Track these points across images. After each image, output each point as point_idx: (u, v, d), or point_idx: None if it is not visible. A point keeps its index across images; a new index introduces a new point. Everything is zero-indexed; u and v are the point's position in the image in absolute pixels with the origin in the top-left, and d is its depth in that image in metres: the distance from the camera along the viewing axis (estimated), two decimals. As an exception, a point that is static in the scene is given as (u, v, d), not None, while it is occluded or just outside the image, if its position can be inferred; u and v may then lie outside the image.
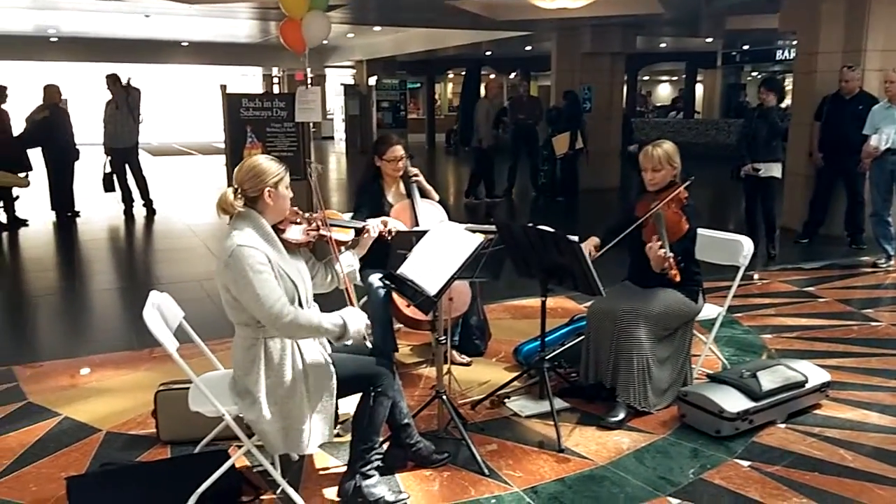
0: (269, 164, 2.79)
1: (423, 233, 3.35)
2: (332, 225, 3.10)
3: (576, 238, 3.26)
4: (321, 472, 3.17)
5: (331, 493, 2.99)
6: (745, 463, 3.25)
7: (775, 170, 7.06)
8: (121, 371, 4.32)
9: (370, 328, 2.86)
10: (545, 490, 3.03)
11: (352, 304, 2.94)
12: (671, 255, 3.42)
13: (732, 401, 3.47)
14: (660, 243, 3.43)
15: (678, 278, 3.44)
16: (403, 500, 2.94)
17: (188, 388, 2.88)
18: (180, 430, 3.32)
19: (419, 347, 4.74)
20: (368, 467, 2.93)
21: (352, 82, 24.47)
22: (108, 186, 9.96)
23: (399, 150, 4.21)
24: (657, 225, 3.53)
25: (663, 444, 3.42)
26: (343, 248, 3.16)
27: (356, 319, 2.80)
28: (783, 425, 3.59)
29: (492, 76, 20.97)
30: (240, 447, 2.95)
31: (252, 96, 6.69)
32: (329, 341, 2.97)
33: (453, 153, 21.79)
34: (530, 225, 3.46)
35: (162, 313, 2.82)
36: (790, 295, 5.97)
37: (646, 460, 3.28)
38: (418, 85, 27.91)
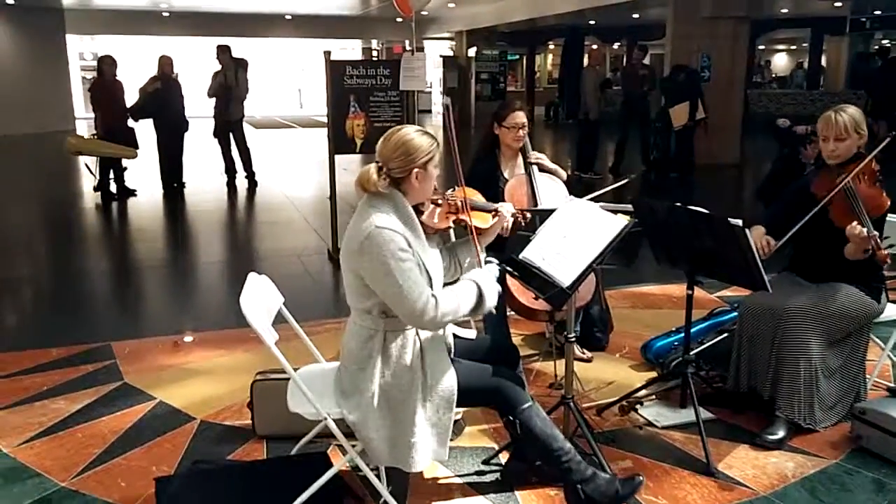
0: (420, 140, 2.39)
1: (548, 212, 2.91)
2: (471, 208, 2.64)
3: (739, 221, 2.73)
4: (430, 483, 2.79)
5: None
6: (943, 500, 2.67)
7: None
8: (218, 351, 4.09)
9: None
10: (696, 523, 2.57)
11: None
12: (875, 232, 2.85)
13: (923, 422, 2.87)
14: (860, 223, 2.87)
15: (888, 260, 2.88)
16: (639, 481, 2.63)
17: (286, 379, 2.54)
18: (278, 424, 3.01)
19: (530, 337, 4.30)
20: (579, 473, 2.54)
21: (451, 54, 24.02)
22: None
23: (520, 117, 3.76)
24: (851, 201, 2.95)
25: (837, 472, 2.86)
26: (482, 236, 2.66)
27: (490, 283, 2.44)
28: None
29: (594, 46, 20.09)
30: (340, 446, 2.60)
31: (356, 63, 6.35)
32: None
33: (553, 126, 21.09)
34: (678, 205, 2.95)
35: (260, 300, 2.49)
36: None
37: (819, 492, 2.73)
38: (517, 57, 27.20)
